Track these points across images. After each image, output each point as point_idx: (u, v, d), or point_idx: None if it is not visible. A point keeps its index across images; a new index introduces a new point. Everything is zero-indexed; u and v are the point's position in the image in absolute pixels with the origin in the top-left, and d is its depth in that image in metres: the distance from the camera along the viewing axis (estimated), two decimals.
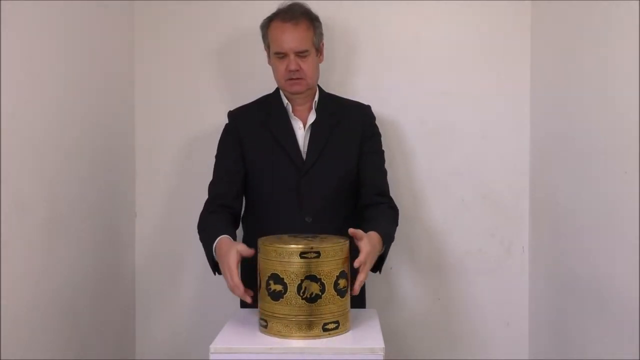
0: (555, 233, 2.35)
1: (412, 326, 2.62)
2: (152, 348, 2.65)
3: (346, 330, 1.82)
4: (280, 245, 1.77)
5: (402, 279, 2.62)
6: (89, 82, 2.24)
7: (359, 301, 2.18)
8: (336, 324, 1.79)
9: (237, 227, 2.18)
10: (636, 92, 1.75)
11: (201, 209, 2.17)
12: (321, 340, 1.75)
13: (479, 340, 2.62)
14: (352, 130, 2.20)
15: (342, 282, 1.80)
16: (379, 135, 2.26)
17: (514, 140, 2.58)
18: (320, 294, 1.76)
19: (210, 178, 2.22)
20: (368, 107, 2.28)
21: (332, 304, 1.78)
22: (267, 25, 2.17)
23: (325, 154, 2.14)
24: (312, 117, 2.19)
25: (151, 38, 2.61)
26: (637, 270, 1.75)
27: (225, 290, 2.51)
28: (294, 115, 2.20)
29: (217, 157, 2.22)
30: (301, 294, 1.75)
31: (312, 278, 1.75)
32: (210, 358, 1.71)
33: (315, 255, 1.75)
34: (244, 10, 2.56)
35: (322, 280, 1.76)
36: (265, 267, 1.80)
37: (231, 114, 2.26)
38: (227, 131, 2.23)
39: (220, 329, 1.87)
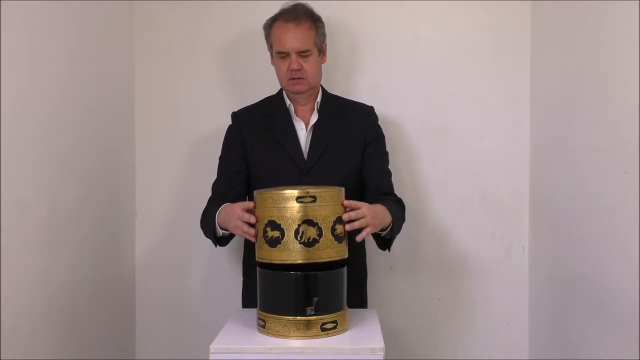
0: (555, 233, 2.35)
1: (412, 326, 2.62)
2: (152, 348, 2.65)
3: (344, 330, 1.82)
4: (277, 192, 1.79)
5: (402, 279, 2.62)
6: (88, 82, 2.24)
7: (359, 301, 2.19)
8: (334, 324, 1.79)
9: None
10: (636, 92, 1.75)
11: (201, 208, 2.17)
12: (321, 340, 1.75)
13: (479, 340, 2.62)
14: (355, 131, 2.20)
15: (339, 228, 1.81)
16: (382, 136, 2.26)
17: (514, 140, 2.58)
18: (317, 238, 1.77)
19: (210, 177, 2.22)
20: (371, 108, 2.28)
21: (330, 249, 1.78)
22: (270, 25, 2.18)
23: (326, 154, 2.14)
24: (314, 118, 2.19)
25: (151, 38, 2.62)
26: (637, 270, 1.75)
27: (225, 290, 2.54)
28: (296, 115, 2.20)
29: (220, 157, 2.24)
30: (299, 239, 1.76)
31: (309, 222, 1.76)
32: (210, 358, 1.71)
33: (311, 199, 1.76)
34: (244, 11, 2.56)
35: (319, 225, 1.77)
36: (263, 215, 1.81)
37: (234, 115, 2.27)
38: (230, 132, 2.25)
39: (220, 329, 1.87)
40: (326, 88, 2.28)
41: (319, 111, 2.20)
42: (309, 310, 1.77)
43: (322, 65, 2.23)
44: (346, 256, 1.85)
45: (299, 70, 2.12)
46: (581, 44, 2.14)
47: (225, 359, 1.71)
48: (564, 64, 2.27)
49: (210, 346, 1.72)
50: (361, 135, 2.20)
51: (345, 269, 1.86)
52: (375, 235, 2.09)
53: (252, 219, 1.84)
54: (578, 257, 2.15)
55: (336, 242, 1.80)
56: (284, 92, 2.22)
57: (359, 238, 1.87)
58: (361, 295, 2.25)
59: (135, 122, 2.63)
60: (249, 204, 1.88)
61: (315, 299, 1.77)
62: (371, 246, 2.40)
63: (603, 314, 1.97)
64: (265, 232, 1.80)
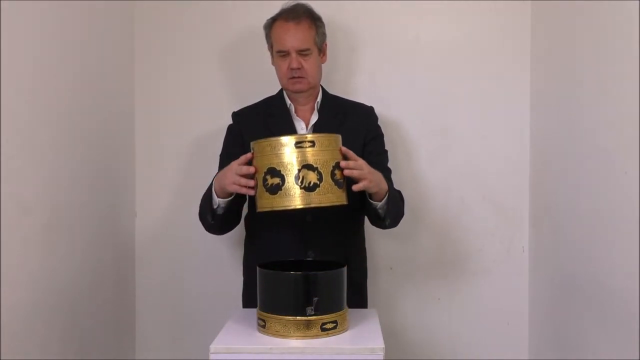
0: (555, 233, 2.35)
1: (412, 326, 2.62)
2: (152, 348, 2.65)
3: (344, 330, 1.82)
4: (275, 139, 1.79)
5: (403, 279, 2.62)
6: (89, 82, 2.24)
7: (359, 301, 2.19)
8: (334, 324, 1.79)
9: (238, 221, 2.18)
10: (636, 92, 1.75)
11: None
12: (321, 340, 1.75)
13: (479, 340, 2.62)
14: (355, 131, 2.20)
15: (338, 173, 1.82)
16: (382, 135, 2.27)
17: (514, 140, 2.58)
18: (318, 182, 1.78)
19: (210, 177, 2.22)
20: (371, 108, 2.29)
21: (330, 194, 1.80)
22: (270, 25, 2.19)
23: None
24: (314, 118, 2.19)
25: (151, 38, 2.62)
26: (637, 270, 1.75)
27: (225, 290, 2.53)
28: (297, 115, 2.20)
29: (220, 155, 2.24)
30: (299, 184, 1.77)
31: (308, 167, 1.78)
32: (210, 358, 1.71)
33: (310, 144, 1.78)
34: (244, 11, 2.57)
35: (319, 170, 1.78)
36: (261, 164, 1.81)
37: (234, 115, 2.27)
38: (231, 131, 2.25)
39: (220, 329, 1.87)
40: (326, 88, 2.28)
41: (319, 111, 2.20)
42: (309, 310, 1.77)
43: (322, 65, 2.23)
44: (345, 202, 1.86)
45: (299, 69, 2.12)
46: (581, 44, 2.14)
47: (225, 359, 1.71)
48: (564, 63, 2.27)
49: (210, 346, 1.72)
50: (361, 135, 2.20)
51: (345, 269, 1.86)
52: (372, 213, 2.06)
53: (251, 169, 1.84)
54: (578, 257, 2.15)
55: (336, 187, 1.81)
56: (284, 92, 2.23)
57: (355, 188, 1.87)
58: (361, 295, 2.25)
59: (135, 122, 2.63)
60: (246, 156, 1.87)
61: (315, 299, 1.77)
62: (371, 246, 2.40)
63: (603, 314, 1.97)
64: (265, 180, 1.80)
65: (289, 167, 1.77)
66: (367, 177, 1.87)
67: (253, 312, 1.91)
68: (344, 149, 1.87)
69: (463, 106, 2.58)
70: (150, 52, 2.62)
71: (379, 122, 2.29)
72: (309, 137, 1.79)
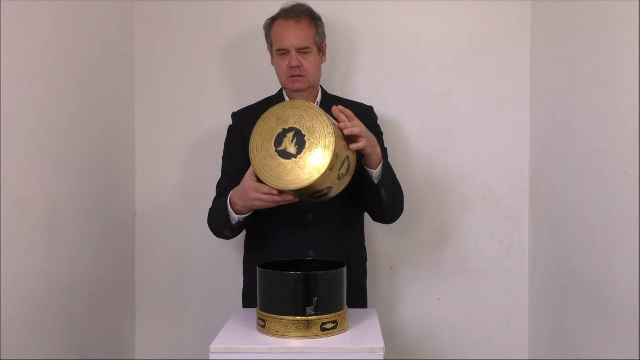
0: (555, 233, 2.35)
1: (412, 326, 2.62)
2: (152, 348, 2.65)
3: (344, 330, 1.82)
4: (298, 198, 1.84)
5: (403, 279, 2.62)
6: (89, 82, 2.24)
7: (360, 301, 2.19)
8: (334, 324, 1.79)
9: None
10: (636, 92, 1.75)
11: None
12: (320, 340, 1.75)
13: (479, 340, 2.62)
14: None
15: (350, 155, 1.88)
16: (381, 133, 2.28)
17: (514, 140, 2.58)
18: (349, 169, 1.88)
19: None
20: (371, 108, 2.30)
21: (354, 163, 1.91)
22: (270, 24, 2.19)
23: None
24: None
25: (151, 38, 2.62)
26: (637, 270, 1.75)
27: (225, 290, 2.53)
28: None
29: (223, 157, 2.24)
30: (340, 189, 1.88)
31: (339, 178, 1.84)
32: (210, 358, 1.71)
33: (326, 191, 1.84)
34: (244, 11, 2.57)
35: (342, 173, 1.84)
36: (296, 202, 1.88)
37: (234, 115, 2.27)
38: (231, 132, 2.25)
39: (220, 329, 1.87)
40: (326, 88, 2.28)
41: None
42: (309, 310, 1.77)
43: (322, 65, 2.23)
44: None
45: (298, 67, 2.12)
46: (581, 44, 2.14)
47: (225, 359, 1.71)
48: (564, 63, 2.27)
49: (210, 346, 1.72)
50: None
51: (345, 268, 1.86)
52: (368, 186, 2.05)
53: (276, 197, 1.85)
54: (578, 257, 2.15)
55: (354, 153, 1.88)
56: (284, 92, 2.23)
57: (353, 147, 1.87)
58: (361, 295, 2.25)
59: (135, 122, 2.63)
60: (262, 189, 1.86)
61: (315, 299, 1.77)
62: (371, 246, 2.40)
63: (603, 314, 1.97)
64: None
65: (324, 191, 1.84)
66: (365, 135, 1.89)
67: (253, 312, 1.91)
68: (340, 108, 1.87)
69: (463, 106, 2.58)
70: (150, 52, 2.62)
71: (379, 122, 2.29)
72: (324, 187, 1.82)
